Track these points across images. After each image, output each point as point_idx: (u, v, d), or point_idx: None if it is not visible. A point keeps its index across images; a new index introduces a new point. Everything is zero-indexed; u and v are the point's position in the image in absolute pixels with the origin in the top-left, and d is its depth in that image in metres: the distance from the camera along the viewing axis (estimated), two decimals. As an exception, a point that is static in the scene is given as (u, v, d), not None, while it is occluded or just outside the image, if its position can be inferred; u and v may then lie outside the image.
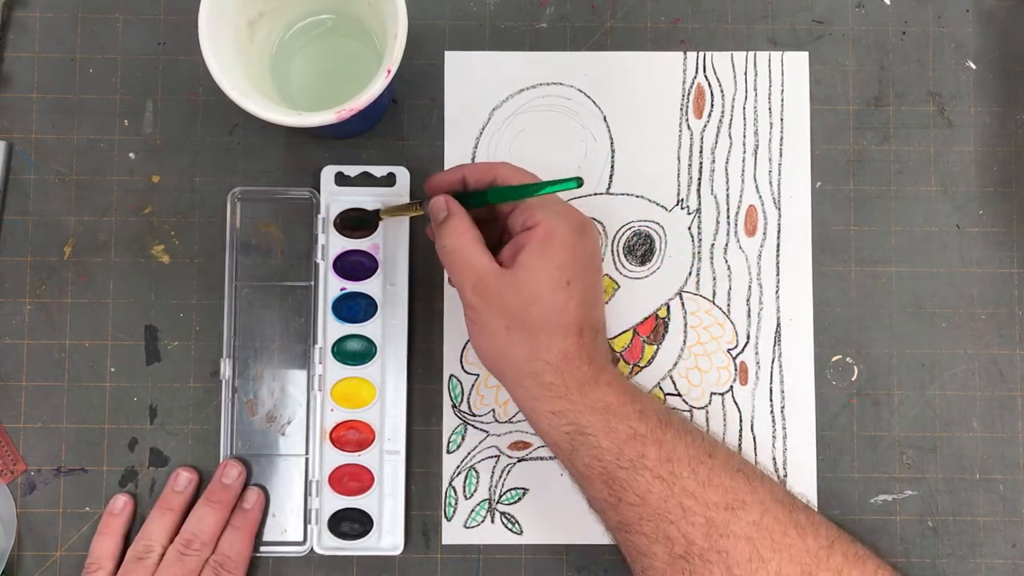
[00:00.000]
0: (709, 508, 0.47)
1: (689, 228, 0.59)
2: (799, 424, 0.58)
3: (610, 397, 0.49)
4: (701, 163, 0.59)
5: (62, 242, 0.58)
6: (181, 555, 0.53)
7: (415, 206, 0.53)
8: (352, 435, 0.56)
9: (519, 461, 0.57)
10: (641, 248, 0.59)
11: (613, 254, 0.58)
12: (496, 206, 0.51)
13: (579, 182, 0.46)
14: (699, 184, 0.59)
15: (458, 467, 0.57)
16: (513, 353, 0.49)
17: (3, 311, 0.57)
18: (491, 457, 0.57)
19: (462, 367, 0.58)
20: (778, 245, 0.59)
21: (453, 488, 0.57)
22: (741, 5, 0.60)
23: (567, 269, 0.48)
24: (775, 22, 0.60)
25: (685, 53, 0.59)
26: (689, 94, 0.59)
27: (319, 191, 0.57)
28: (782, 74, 0.59)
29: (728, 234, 0.59)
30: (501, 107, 0.59)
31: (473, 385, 0.58)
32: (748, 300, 0.58)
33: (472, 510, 0.57)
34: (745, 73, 0.59)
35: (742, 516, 0.47)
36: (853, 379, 0.58)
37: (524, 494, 0.57)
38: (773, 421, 0.58)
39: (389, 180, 0.58)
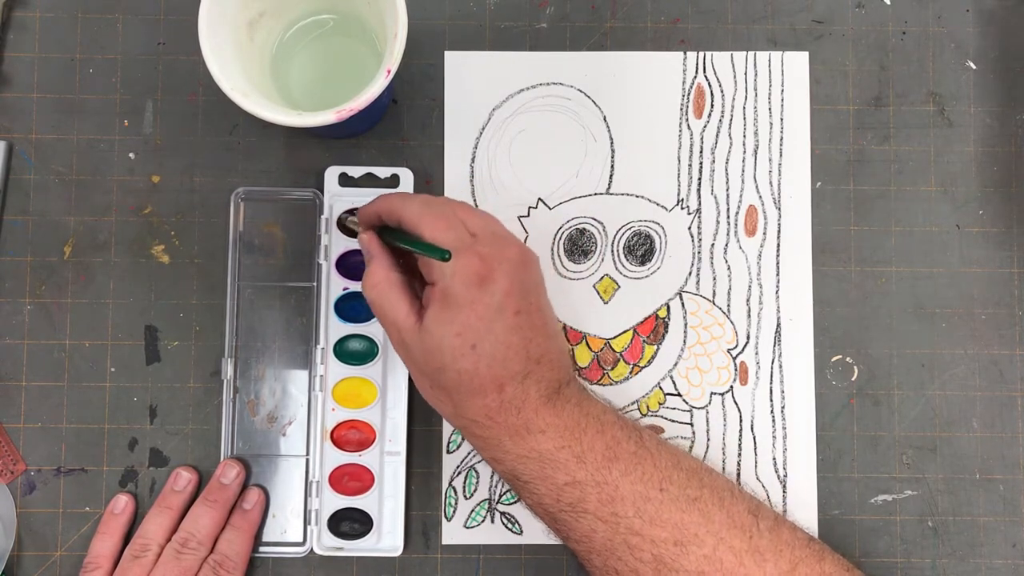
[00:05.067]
0: (657, 545, 0.46)
1: (689, 228, 0.59)
2: (799, 424, 0.58)
3: (545, 444, 0.47)
4: (701, 163, 0.59)
5: (62, 242, 0.58)
6: (178, 554, 0.53)
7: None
8: (353, 435, 0.56)
9: (519, 461, 0.57)
10: (641, 248, 0.59)
11: (613, 254, 0.58)
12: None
13: (445, 256, 0.45)
14: (699, 184, 0.59)
15: (458, 467, 0.57)
16: (440, 408, 0.49)
17: (3, 311, 0.57)
18: (491, 457, 0.57)
19: (462, 367, 0.58)
20: (778, 245, 0.59)
21: (453, 488, 0.57)
22: (741, 5, 0.60)
23: (468, 333, 0.46)
24: (775, 22, 0.60)
25: (685, 53, 0.59)
26: (689, 94, 0.59)
27: (322, 191, 0.57)
28: (782, 74, 0.59)
29: (728, 234, 0.59)
30: (501, 107, 0.59)
31: (473, 385, 0.58)
32: (748, 300, 0.58)
33: (472, 510, 0.57)
34: (745, 73, 0.59)
35: (693, 551, 0.46)
36: (853, 379, 0.58)
37: (524, 494, 0.57)
38: (773, 421, 0.58)
39: (392, 181, 0.58)
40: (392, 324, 0.48)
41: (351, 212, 0.57)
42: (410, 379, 0.57)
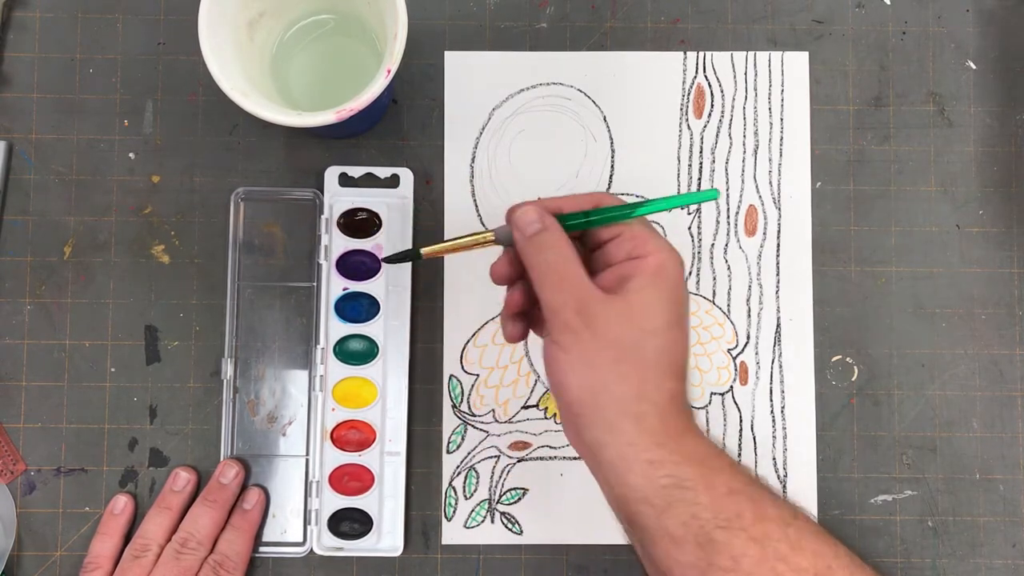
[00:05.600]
0: (799, 574, 0.42)
1: (689, 228, 0.59)
2: (799, 424, 0.58)
3: (703, 448, 0.43)
4: (701, 163, 0.59)
5: (62, 242, 0.58)
6: (177, 553, 0.53)
7: (482, 235, 0.47)
8: (353, 435, 0.56)
9: (519, 461, 0.57)
10: (641, 248, 0.58)
11: (613, 254, 0.58)
12: (588, 235, 0.46)
13: (717, 193, 0.43)
14: (699, 184, 0.59)
15: (458, 467, 0.57)
16: (617, 389, 0.42)
17: (3, 311, 0.57)
18: (491, 457, 0.57)
19: (462, 367, 0.58)
20: (778, 245, 0.59)
21: (453, 488, 0.57)
22: (741, 5, 0.60)
23: (678, 308, 0.43)
24: (775, 22, 0.60)
25: (685, 53, 0.59)
26: (689, 94, 0.59)
27: (322, 191, 0.57)
28: (782, 74, 0.60)
29: (728, 234, 0.59)
30: (501, 107, 0.59)
31: (473, 385, 0.58)
32: (748, 300, 0.58)
33: (472, 510, 0.57)
34: (745, 73, 0.59)
35: None
36: (853, 379, 0.58)
37: (524, 494, 0.57)
38: (773, 421, 0.58)
39: (392, 181, 0.58)
40: (576, 290, 0.43)
41: (356, 212, 0.56)
42: (411, 379, 0.57)
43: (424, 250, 0.47)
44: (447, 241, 0.47)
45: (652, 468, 0.42)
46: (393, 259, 0.48)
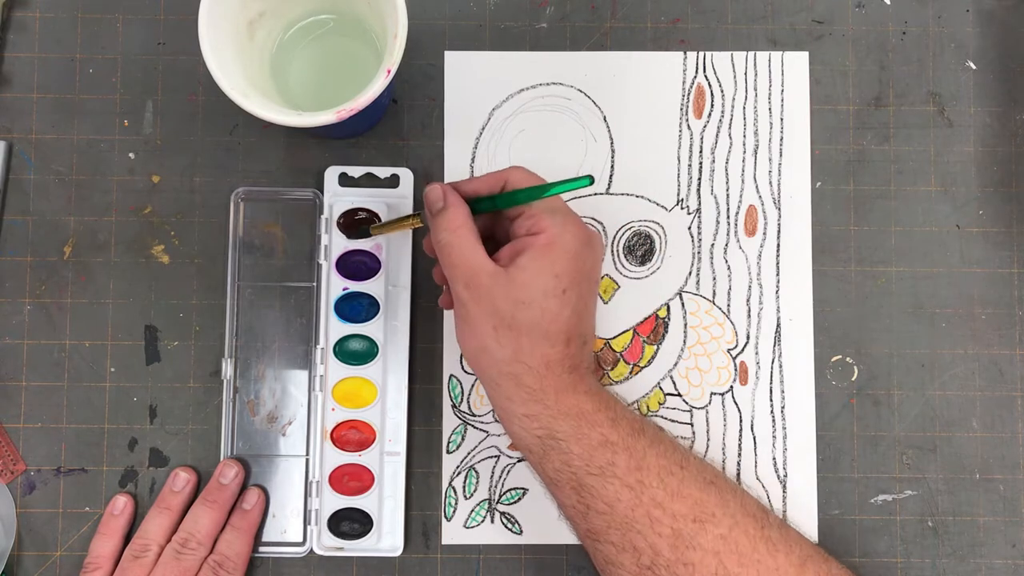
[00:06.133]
0: (676, 519, 0.47)
1: (689, 228, 0.59)
2: (799, 424, 0.58)
3: (585, 404, 0.49)
4: (701, 163, 0.59)
5: (62, 242, 0.58)
6: (177, 554, 0.53)
7: (412, 218, 0.52)
8: (353, 435, 0.56)
9: (519, 461, 0.57)
10: (641, 248, 0.59)
11: (613, 254, 0.58)
12: (502, 213, 0.50)
13: (591, 180, 0.46)
14: (699, 184, 0.59)
15: (458, 467, 0.57)
16: (496, 352, 0.48)
17: (3, 311, 0.57)
18: (491, 457, 0.57)
19: (462, 367, 0.58)
20: (778, 245, 0.59)
21: (453, 488, 0.57)
22: (741, 5, 0.60)
23: (565, 278, 0.48)
24: (775, 22, 0.60)
25: (685, 53, 0.59)
26: (689, 94, 0.59)
27: (322, 191, 0.57)
28: (782, 74, 0.59)
29: (728, 234, 0.59)
30: (501, 107, 0.59)
31: (473, 385, 0.58)
32: (748, 300, 0.58)
33: (472, 510, 0.57)
34: (745, 73, 0.59)
35: (710, 529, 0.47)
36: (853, 379, 0.58)
37: (524, 494, 0.57)
38: (773, 421, 0.58)
39: (393, 181, 0.58)
40: (467, 265, 0.48)
41: (356, 211, 0.56)
42: (410, 379, 0.57)
43: (372, 228, 0.55)
44: (389, 221, 0.54)
45: (528, 420, 0.48)
46: (350, 233, 0.56)
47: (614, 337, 0.58)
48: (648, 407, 0.58)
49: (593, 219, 0.58)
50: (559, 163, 0.59)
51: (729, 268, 0.59)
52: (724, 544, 0.47)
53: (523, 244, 0.48)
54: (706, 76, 0.59)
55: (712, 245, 0.59)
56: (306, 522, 0.56)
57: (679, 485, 0.48)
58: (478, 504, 0.57)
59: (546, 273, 0.47)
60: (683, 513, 0.47)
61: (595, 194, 0.59)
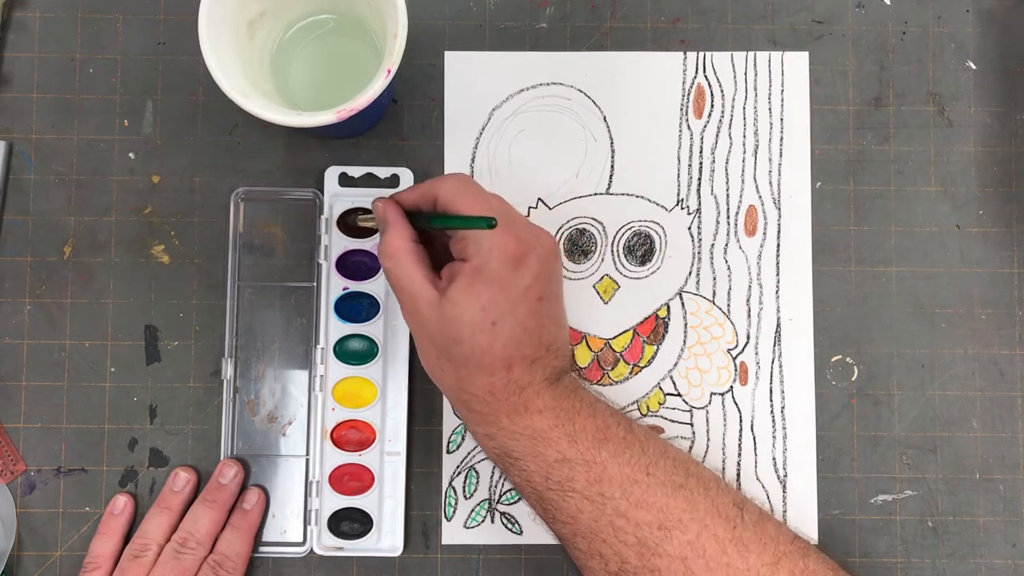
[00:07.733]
0: (641, 528, 0.47)
1: (689, 228, 0.59)
2: (799, 424, 0.58)
3: (539, 423, 0.48)
4: (701, 163, 0.59)
5: (62, 242, 0.58)
6: (177, 553, 0.53)
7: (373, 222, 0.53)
8: (353, 435, 0.56)
9: (519, 461, 0.57)
10: (641, 248, 0.59)
11: (613, 254, 0.58)
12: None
13: (491, 223, 0.46)
14: (699, 184, 0.59)
15: (458, 467, 0.57)
16: (442, 379, 0.49)
17: (3, 311, 0.57)
18: (491, 457, 0.57)
19: (462, 367, 0.58)
20: (778, 245, 0.59)
21: (453, 488, 0.57)
22: (741, 5, 0.60)
23: (492, 309, 0.47)
24: (775, 22, 0.60)
25: (685, 53, 0.59)
26: (689, 94, 0.59)
27: (322, 191, 0.57)
28: (782, 74, 0.59)
29: (728, 234, 0.59)
30: (501, 107, 0.59)
31: (473, 385, 0.58)
32: (748, 300, 0.58)
33: (472, 510, 0.57)
34: (745, 73, 0.59)
35: (676, 536, 0.47)
36: (853, 379, 0.58)
37: (524, 494, 0.57)
38: (773, 421, 0.58)
39: (393, 181, 0.58)
40: (407, 292, 0.48)
41: (356, 211, 0.57)
42: (410, 378, 0.57)
43: (359, 218, 0.56)
44: (368, 216, 0.55)
45: (487, 439, 0.50)
46: (350, 233, 0.57)
47: (614, 337, 0.58)
48: (648, 407, 0.58)
49: (593, 219, 0.58)
50: (559, 163, 0.59)
51: (729, 268, 0.59)
52: (691, 550, 0.47)
53: (454, 269, 0.48)
54: (706, 76, 0.59)
55: (712, 245, 0.59)
56: (306, 522, 0.56)
57: (643, 493, 0.47)
58: (478, 504, 0.57)
59: (473, 307, 0.47)
60: (648, 521, 0.47)
61: (595, 194, 0.59)
